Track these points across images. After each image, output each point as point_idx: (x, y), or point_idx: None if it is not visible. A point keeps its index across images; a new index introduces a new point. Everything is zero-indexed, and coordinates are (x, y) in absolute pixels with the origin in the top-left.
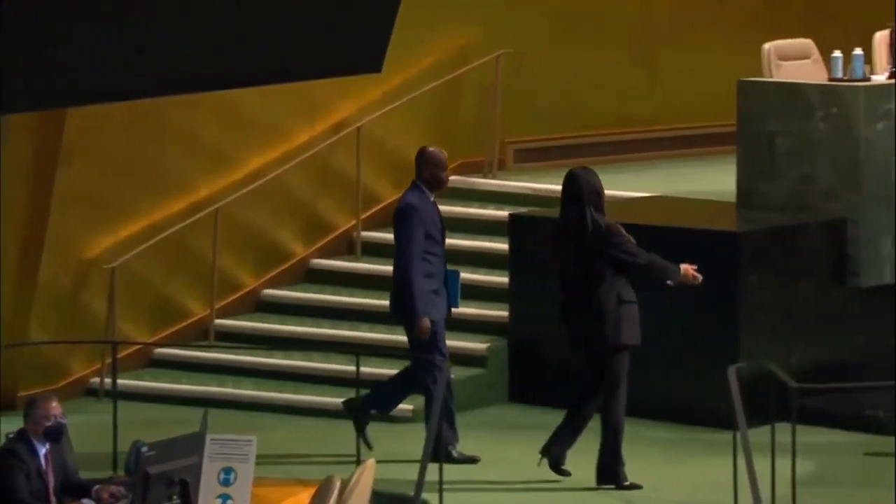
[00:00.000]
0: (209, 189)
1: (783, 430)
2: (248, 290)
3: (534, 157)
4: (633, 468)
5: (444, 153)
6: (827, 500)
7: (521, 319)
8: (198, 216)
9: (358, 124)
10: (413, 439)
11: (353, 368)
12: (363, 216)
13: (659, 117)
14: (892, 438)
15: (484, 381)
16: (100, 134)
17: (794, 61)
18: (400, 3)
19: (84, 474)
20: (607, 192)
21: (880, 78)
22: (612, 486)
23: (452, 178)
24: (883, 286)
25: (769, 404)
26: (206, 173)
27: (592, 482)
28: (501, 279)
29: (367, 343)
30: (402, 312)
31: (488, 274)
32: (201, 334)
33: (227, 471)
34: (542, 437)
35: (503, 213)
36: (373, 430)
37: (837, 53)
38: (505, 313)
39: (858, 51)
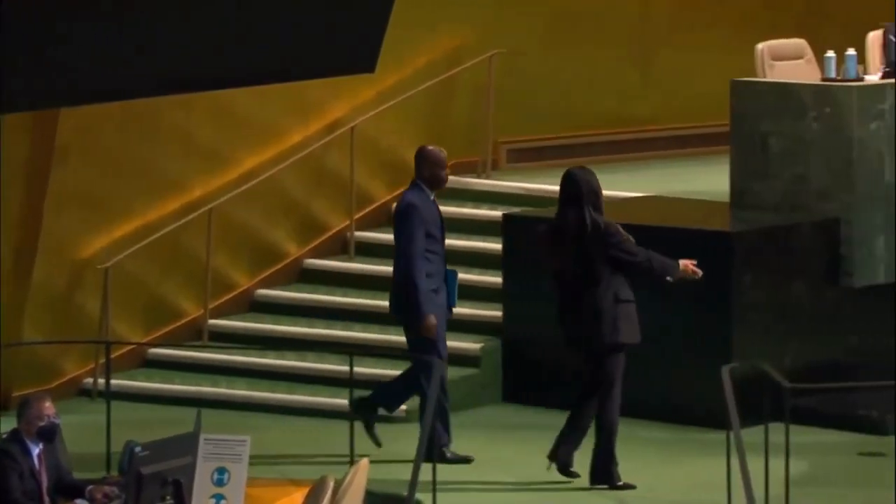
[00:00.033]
0: (203, 189)
1: (777, 430)
2: (241, 290)
3: (527, 157)
4: (626, 468)
5: (444, 152)
6: (820, 499)
7: (515, 319)
8: (192, 216)
9: (352, 124)
10: (407, 439)
11: (346, 368)
12: (357, 216)
13: (657, 118)
14: (885, 438)
15: (478, 381)
16: (94, 134)
17: (788, 61)
18: (393, 3)
19: (77, 474)
20: None
21: (873, 78)
22: (605, 486)
23: None
24: (876, 286)
25: (763, 404)
26: (200, 173)
27: (586, 482)
28: (495, 279)
29: (360, 343)
30: (403, 312)
31: (482, 274)
32: (195, 334)
33: (221, 471)
34: (536, 437)
35: (497, 213)
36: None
37: (830, 53)
38: (498, 313)
39: (851, 51)
